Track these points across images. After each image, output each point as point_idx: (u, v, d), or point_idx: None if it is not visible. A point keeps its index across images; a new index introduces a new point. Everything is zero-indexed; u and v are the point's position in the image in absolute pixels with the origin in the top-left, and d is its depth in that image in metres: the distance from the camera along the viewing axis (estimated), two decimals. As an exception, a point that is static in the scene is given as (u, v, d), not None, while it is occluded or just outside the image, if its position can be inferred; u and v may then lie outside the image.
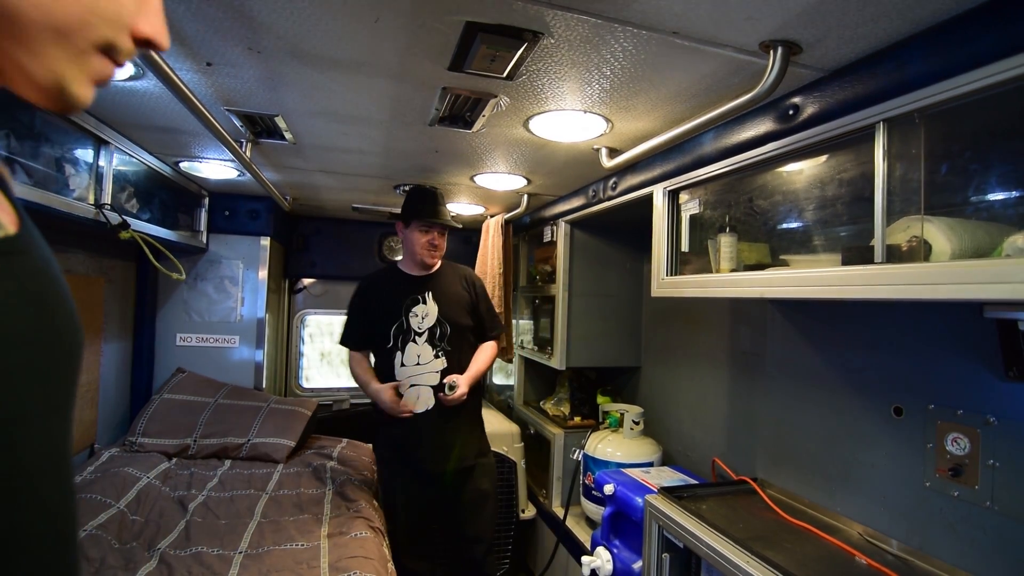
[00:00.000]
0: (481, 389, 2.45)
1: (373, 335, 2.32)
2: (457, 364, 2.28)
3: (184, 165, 2.46)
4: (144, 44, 0.45)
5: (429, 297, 2.31)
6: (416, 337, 2.27)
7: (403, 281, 2.34)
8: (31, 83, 0.41)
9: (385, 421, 2.29)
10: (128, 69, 1.41)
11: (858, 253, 1.16)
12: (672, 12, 1.04)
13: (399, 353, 2.26)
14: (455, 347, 2.29)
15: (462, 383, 2.19)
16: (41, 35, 0.39)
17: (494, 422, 3.01)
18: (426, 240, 2.28)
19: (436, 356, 2.27)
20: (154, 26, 0.45)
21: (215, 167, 2.46)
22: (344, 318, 2.42)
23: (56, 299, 0.45)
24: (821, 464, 1.61)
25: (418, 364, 2.25)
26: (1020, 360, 1.11)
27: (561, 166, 2.22)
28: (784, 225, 1.47)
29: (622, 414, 2.43)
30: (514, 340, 3.27)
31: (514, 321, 3.44)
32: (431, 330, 2.28)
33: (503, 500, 2.88)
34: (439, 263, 2.38)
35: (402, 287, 2.32)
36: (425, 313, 2.29)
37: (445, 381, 2.22)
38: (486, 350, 2.40)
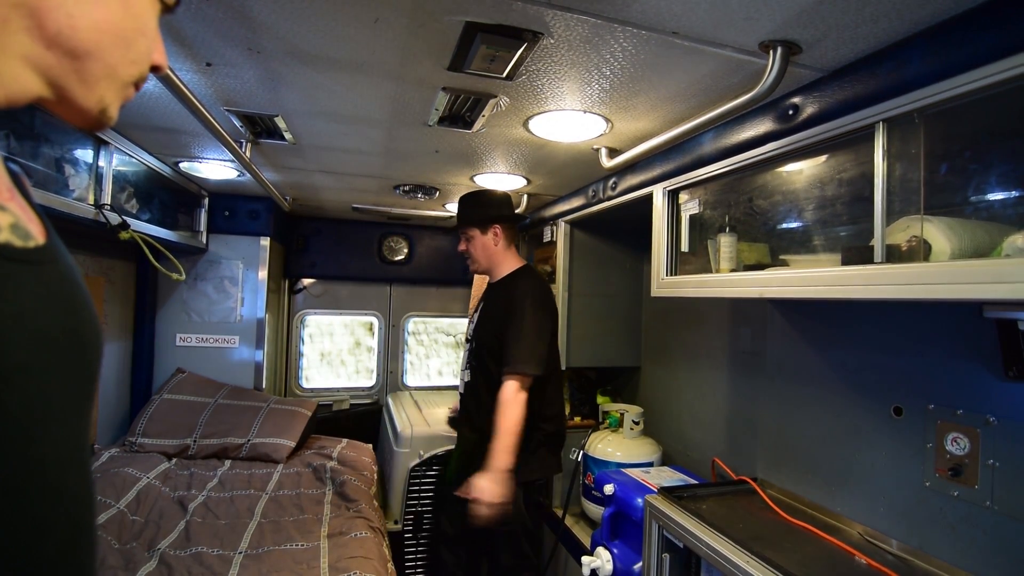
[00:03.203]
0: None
1: None
2: (482, 382, 2.21)
3: (184, 165, 2.46)
4: (153, 69, 0.55)
5: (482, 308, 2.37)
6: (466, 342, 2.41)
7: (486, 289, 2.45)
8: (80, 110, 0.49)
9: None
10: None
11: (858, 253, 1.16)
12: (672, 12, 1.04)
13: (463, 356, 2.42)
14: (479, 364, 2.25)
15: (480, 489, 1.89)
16: (96, 71, 0.47)
17: (494, 422, 3.01)
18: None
19: (465, 368, 2.34)
20: (163, 55, 0.56)
21: (215, 167, 2.46)
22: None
23: (80, 304, 0.48)
24: (821, 464, 1.61)
25: (463, 369, 2.38)
26: (1020, 360, 1.11)
27: (561, 166, 2.22)
28: (784, 225, 1.47)
29: (622, 414, 2.43)
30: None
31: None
32: (468, 341, 2.38)
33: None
34: (495, 271, 2.32)
35: (482, 295, 2.45)
36: (474, 322, 2.38)
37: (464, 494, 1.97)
38: (504, 412, 1.97)
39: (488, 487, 1.90)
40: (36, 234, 0.45)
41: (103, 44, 0.47)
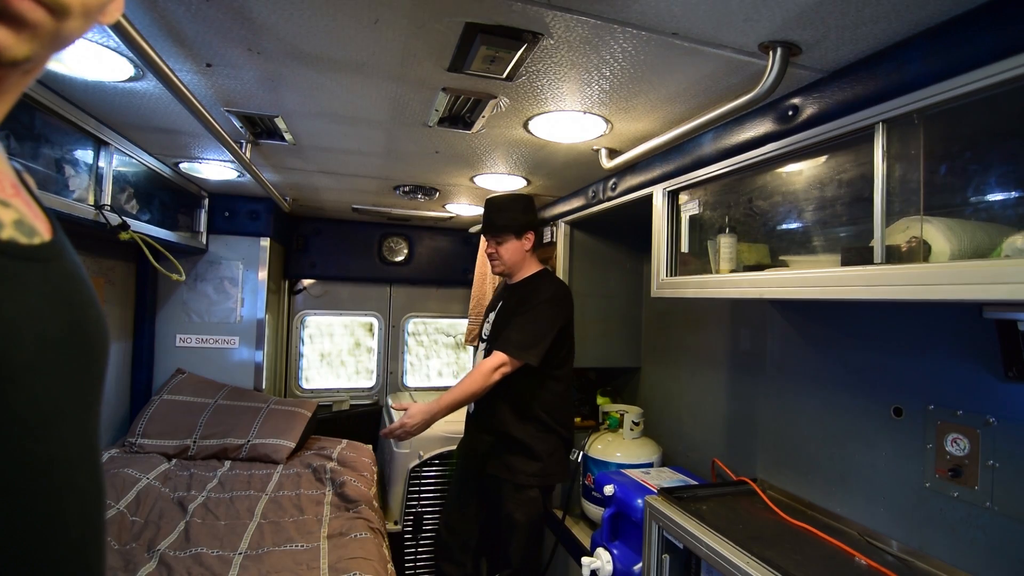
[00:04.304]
0: (524, 413, 2.20)
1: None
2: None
3: (184, 166, 2.46)
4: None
5: (500, 307, 2.38)
6: (483, 342, 2.41)
7: (501, 289, 2.49)
8: None
9: None
10: (128, 70, 1.42)
11: (857, 254, 1.16)
12: (671, 13, 1.04)
13: (476, 353, 2.47)
14: None
15: (411, 415, 2.03)
16: None
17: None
18: (485, 252, 2.44)
19: None
20: None
21: (215, 168, 2.46)
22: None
23: (86, 302, 0.47)
24: (821, 464, 1.61)
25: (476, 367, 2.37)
26: (1019, 360, 1.11)
27: (561, 167, 2.23)
28: (784, 226, 1.47)
29: (622, 415, 2.43)
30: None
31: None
32: (488, 338, 2.37)
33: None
34: (516, 274, 2.37)
35: (497, 295, 2.48)
36: (490, 321, 2.40)
37: (393, 407, 2.20)
38: (472, 374, 2.11)
39: (419, 414, 2.03)
40: (42, 230, 0.44)
41: None
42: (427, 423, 2.06)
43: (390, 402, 3.52)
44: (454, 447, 2.88)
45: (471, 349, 4.00)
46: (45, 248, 0.44)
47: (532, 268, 2.39)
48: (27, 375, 0.39)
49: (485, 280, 3.28)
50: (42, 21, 0.38)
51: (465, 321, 3.69)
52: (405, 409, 2.08)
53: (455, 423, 2.81)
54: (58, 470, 0.42)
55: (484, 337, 2.42)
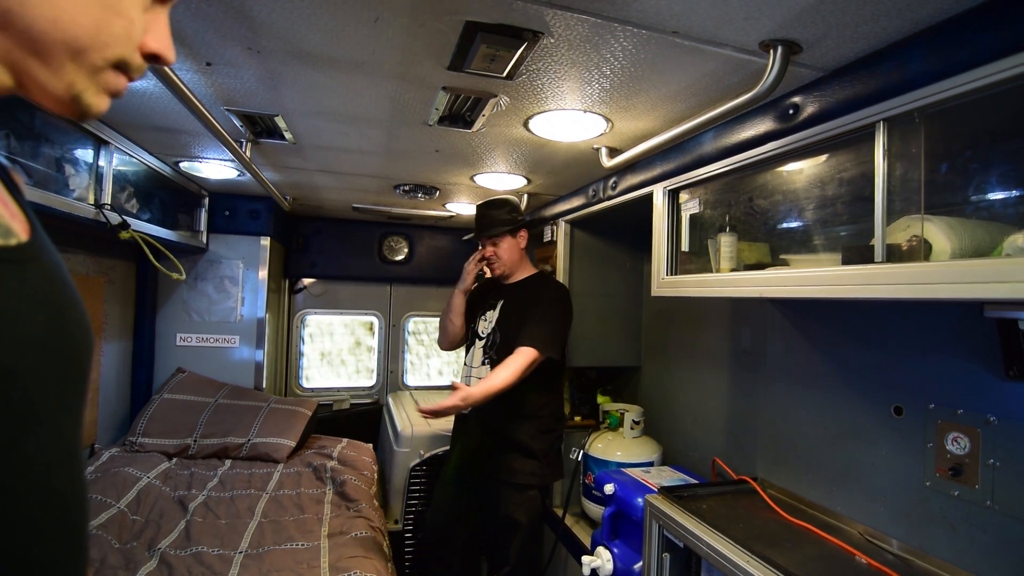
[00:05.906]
0: (521, 412, 2.22)
1: (468, 330, 2.57)
2: None
3: (184, 165, 2.46)
4: (152, 59, 0.49)
5: (499, 305, 2.39)
6: (477, 340, 2.41)
7: (493, 288, 2.49)
8: (50, 95, 0.44)
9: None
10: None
11: (858, 253, 1.16)
12: (672, 12, 1.04)
13: (466, 352, 2.46)
14: (500, 359, 2.18)
15: (471, 390, 1.98)
16: (59, 53, 0.42)
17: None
18: (479, 254, 2.45)
19: (483, 363, 2.32)
20: (161, 42, 0.49)
21: (215, 167, 2.46)
22: None
23: (67, 303, 0.47)
24: (821, 464, 1.61)
25: (472, 366, 2.38)
26: (1020, 359, 1.11)
27: (561, 166, 2.22)
28: (784, 225, 1.47)
29: (622, 414, 2.43)
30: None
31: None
32: (488, 337, 2.37)
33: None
34: (515, 273, 2.41)
35: (490, 293, 2.48)
36: (489, 320, 2.40)
37: (426, 408, 2.03)
38: (509, 361, 2.08)
39: (478, 392, 1.98)
40: (19, 231, 0.44)
41: (62, 23, 0.41)
42: (485, 400, 2.02)
43: (417, 402, 3.49)
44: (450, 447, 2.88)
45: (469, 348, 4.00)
46: (22, 249, 0.43)
47: (529, 268, 2.46)
48: (4, 378, 0.38)
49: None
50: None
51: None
52: (433, 412, 1.99)
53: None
54: (37, 473, 0.42)
55: (481, 335, 2.40)
